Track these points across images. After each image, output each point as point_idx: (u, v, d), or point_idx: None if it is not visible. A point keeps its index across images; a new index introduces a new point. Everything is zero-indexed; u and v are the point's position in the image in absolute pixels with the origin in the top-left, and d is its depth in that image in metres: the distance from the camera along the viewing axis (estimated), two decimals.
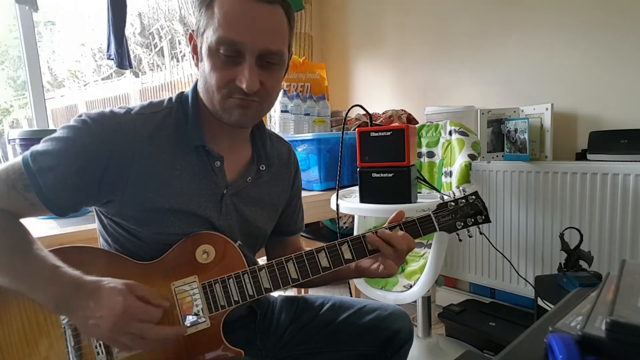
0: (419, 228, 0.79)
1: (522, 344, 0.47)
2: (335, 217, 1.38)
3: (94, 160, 0.66)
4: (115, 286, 0.61)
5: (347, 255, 0.77)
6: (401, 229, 0.78)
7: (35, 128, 1.72)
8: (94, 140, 0.66)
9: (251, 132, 0.84)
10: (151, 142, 0.71)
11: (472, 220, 0.82)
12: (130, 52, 1.94)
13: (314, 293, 1.01)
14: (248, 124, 0.77)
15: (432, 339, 1.63)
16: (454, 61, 2.09)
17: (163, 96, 0.79)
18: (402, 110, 1.96)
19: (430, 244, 1.40)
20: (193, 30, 0.72)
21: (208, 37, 0.66)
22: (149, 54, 2.71)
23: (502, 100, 1.93)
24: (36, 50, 1.79)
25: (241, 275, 0.73)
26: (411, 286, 1.40)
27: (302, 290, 1.75)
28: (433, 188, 1.49)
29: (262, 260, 0.83)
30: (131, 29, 2.50)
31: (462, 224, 0.81)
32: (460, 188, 0.85)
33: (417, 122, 1.95)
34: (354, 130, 1.87)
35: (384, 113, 1.94)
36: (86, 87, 2.62)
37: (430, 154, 1.64)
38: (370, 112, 1.55)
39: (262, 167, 0.83)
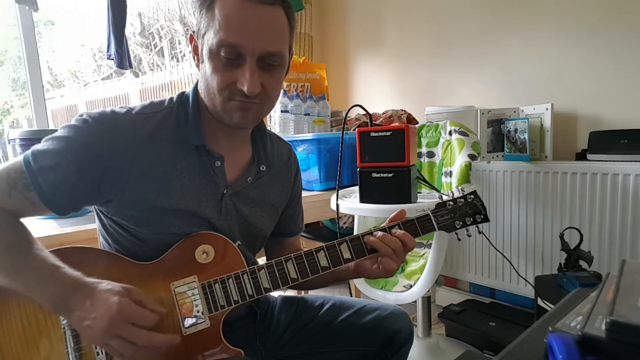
0: (417, 227, 0.79)
1: (522, 344, 0.47)
2: (335, 217, 1.38)
3: (95, 159, 0.66)
4: (112, 288, 0.61)
5: (346, 255, 0.77)
6: (400, 229, 0.78)
7: (35, 128, 1.72)
8: (95, 140, 0.67)
9: (252, 132, 0.84)
10: (151, 142, 0.71)
11: (471, 219, 0.82)
12: (130, 52, 1.94)
13: (313, 293, 1.01)
14: (249, 125, 0.77)
15: (432, 339, 1.63)
16: (454, 61, 2.09)
17: (163, 96, 0.79)
18: (402, 110, 1.96)
19: (430, 243, 1.40)
20: (194, 32, 0.72)
21: (209, 40, 0.66)
22: (149, 54, 2.71)
23: (502, 100, 1.93)
24: (36, 50, 1.79)
25: (241, 275, 0.73)
26: (411, 286, 1.40)
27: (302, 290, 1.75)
28: (433, 188, 1.49)
29: (261, 261, 0.83)
30: (131, 29, 2.50)
31: (461, 223, 0.81)
32: (460, 188, 0.85)
33: (417, 122, 1.95)
34: (354, 130, 1.87)
35: (384, 113, 1.94)
36: (86, 87, 2.63)
37: (430, 154, 1.64)
38: (370, 112, 1.55)
39: (263, 168, 0.83)
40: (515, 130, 1.72)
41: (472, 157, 1.40)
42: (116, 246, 0.75)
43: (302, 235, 1.81)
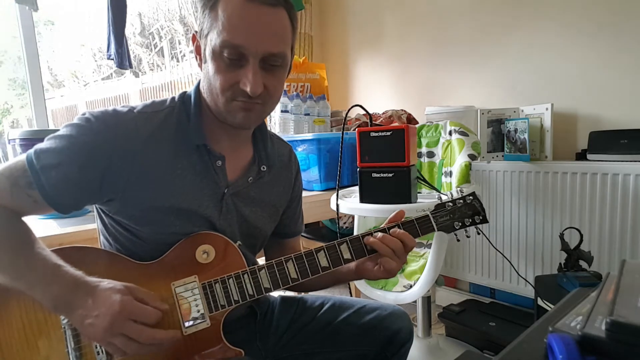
0: (417, 228, 0.79)
1: (522, 344, 0.47)
2: (335, 217, 1.38)
3: (96, 158, 0.66)
4: (114, 286, 0.61)
5: (347, 255, 0.77)
6: (400, 229, 0.78)
7: (35, 128, 1.72)
8: (97, 138, 0.67)
9: (253, 132, 0.84)
10: (153, 141, 0.71)
11: (470, 220, 0.82)
12: (130, 52, 1.94)
13: (314, 293, 1.01)
14: (252, 125, 0.78)
15: (432, 339, 1.63)
16: (454, 61, 2.09)
17: (163, 96, 0.80)
18: (402, 110, 1.96)
19: (430, 244, 1.40)
20: (196, 32, 0.72)
21: (212, 40, 0.66)
22: (149, 54, 2.71)
23: (502, 100, 1.93)
24: (36, 50, 1.79)
25: (241, 275, 0.73)
26: (411, 286, 1.40)
27: None
28: (433, 188, 1.49)
29: (261, 261, 0.83)
30: (131, 29, 2.49)
31: (460, 224, 0.82)
32: (459, 188, 0.85)
33: (417, 122, 1.95)
34: (354, 130, 1.87)
35: (384, 113, 1.94)
36: (86, 87, 2.62)
37: (430, 154, 1.64)
38: (370, 112, 1.55)
39: (264, 168, 0.83)
40: (515, 130, 1.72)
41: (472, 157, 1.40)
42: (117, 246, 0.75)
43: (302, 236, 1.81)
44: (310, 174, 1.68)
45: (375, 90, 2.53)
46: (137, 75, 2.69)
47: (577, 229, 1.34)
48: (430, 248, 1.36)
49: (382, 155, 1.24)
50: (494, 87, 1.96)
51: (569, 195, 1.61)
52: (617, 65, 1.59)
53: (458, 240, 0.85)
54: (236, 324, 0.81)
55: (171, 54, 2.69)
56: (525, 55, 1.83)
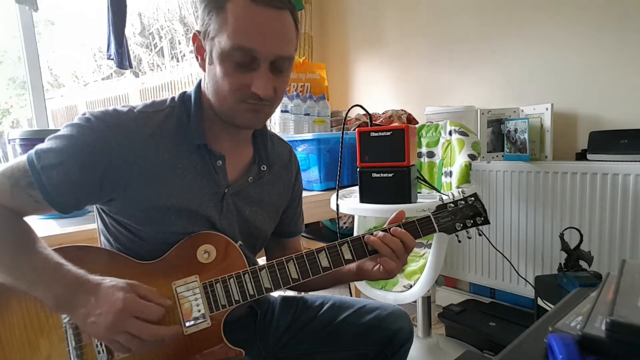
0: (418, 229, 0.79)
1: (522, 344, 0.47)
2: (335, 217, 1.38)
3: (97, 157, 0.67)
4: (117, 284, 0.62)
5: (347, 255, 0.77)
6: (400, 229, 0.78)
7: (35, 128, 1.72)
8: (97, 138, 0.67)
9: (252, 132, 0.84)
10: (153, 141, 0.71)
11: (471, 221, 0.82)
12: (130, 52, 1.94)
13: (314, 293, 1.01)
14: (259, 126, 0.79)
15: (432, 339, 1.63)
16: (454, 61, 2.09)
17: (163, 96, 0.80)
18: (402, 110, 1.96)
19: (430, 244, 1.40)
20: (198, 32, 0.72)
21: (221, 43, 0.66)
22: (149, 54, 2.71)
23: (502, 100, 1.93)
24: (36, 50, 1.79)
25: (242, 275, 0.73)
26: (411, 286, 1.40)
27: None
28: (433, 188, 1.49)
29: (261, 261, 0.83)
30: (131, 29, 2.49)
31: (461, 225, 0.82)
32: (460, 189, 0.85)
33: (417, 122, 1.95)
34: (354, 130, 1.87)
35: (384, 113, 1.94)
36: (86, 87, 2.62)
37: (430, 154, 1.64)
38: (370, 112, 1.55)
39: (264, 168, 0.84)
40: (515, 130, 1.72)
41: (472, 157, 1.40)
42: (117, 245, 0.75)
43: (302, 235, 1.81)
44: (310, 174, 1.68)
45: (375, 90, 2.53)
46: (137, 75, 2.69)
47: (577, 229, 1.34)
48: (430, 248, 1.36)
49: (382, 155, 1.24)
50: (494, 87, 1.96)
51: (569, 195, 1.61)
52: (617, 65, 1.59)
53: (459, 241, 0.85)
54: (236, 324, 0.81)
55: (171, 54, 2.69)
56: (525, 55, 1.83)
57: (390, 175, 1.23)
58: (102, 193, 0.69)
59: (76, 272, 0.62)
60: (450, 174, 1.52)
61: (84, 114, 0.69)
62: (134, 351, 0.62)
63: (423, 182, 1.49)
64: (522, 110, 1.76)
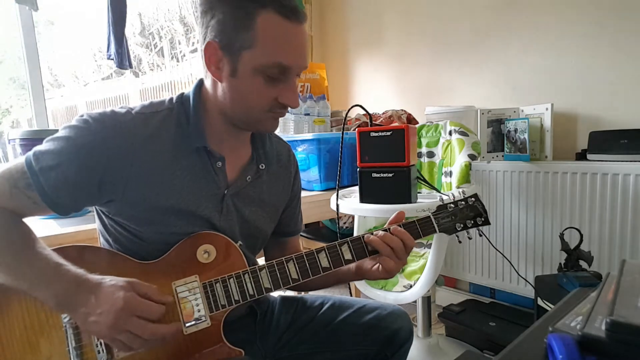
0: (418, 229, 0.80)
1: (522, 344, 0.47)
2: (335, 217, 1.38)
3: (95, 159, 0.67)
4: (117, 283, 0.62)
5: (347, 255, 0.77)
6: (400, 228, 0.78)
7: (35, 128, 1.72)
8: (95, 140, 0.67)
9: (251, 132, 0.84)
10: (152, 142, 0.71)
11: (472, 222, 0.82)
12: (130, 52, 1.94)
13: (314, 293, 1.01)
14: (276, 129, 0.81)
15: (432, 339, 1.63)
16: (454, 61, 2.09)
17: (163, 96, 0.80)
18: (402, 110, 1.96)
19: (430, 244, 1.40)
20: (215, 41, 0.68)
21: (253, 58, 0.67)
22: (149, 54, 2.71)
23: (502, 100, 1.93)
24: (36, 50, 1.79)
25: (242, 275, 0.73)
26: (411, 286, 1.40)
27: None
28: (433, 188, 1.49)
29: (261, 261, 0.83)
30: (131, 29, 2.49)
31: (462, 225, 0.82)
32: (460, 189, 0.85)
33: (417, 122, 1.95)
34: (354, 130, 1.87)
35: (384, 113, 1.94)
36: (86, 87, 2.62)
37: (430, 154, 1.64)
38: (370, 112, 1.55)
39: (262, 167, 0.84)
40: (515, 130, 1.72)
41: (472, 157, 1.40)
42: (117, 246, 0.75)
43: (302, 235, 1.81)
44: (310, 174, 1.68)
45: (375, 90, 2.53)
46: (137, 75, 2.69)
47: (577, 229, 1.34)
48: (430, 248, 1.36)
49: (382, 155, 1.24)
50: (494, 87, 1.96)
51: (569, 195, 1.61)
52: (617, 65, 1.59)
53: (460, 241, 0.85)
54: (236, 324, 0.81)
55: (171, 54, 2.68)
56: (525, 55, 1.83)
57: (390, 175, 1.23)
58: (101, 194, 0.69)
59: (76, 272, 0.62)
60: (450, 174, 1.52)
61: (82, 116, 0.69)
62: (135, 349, 0.62)
63: (423, 182, 1.49)
64: (522, 110, 1.76)
